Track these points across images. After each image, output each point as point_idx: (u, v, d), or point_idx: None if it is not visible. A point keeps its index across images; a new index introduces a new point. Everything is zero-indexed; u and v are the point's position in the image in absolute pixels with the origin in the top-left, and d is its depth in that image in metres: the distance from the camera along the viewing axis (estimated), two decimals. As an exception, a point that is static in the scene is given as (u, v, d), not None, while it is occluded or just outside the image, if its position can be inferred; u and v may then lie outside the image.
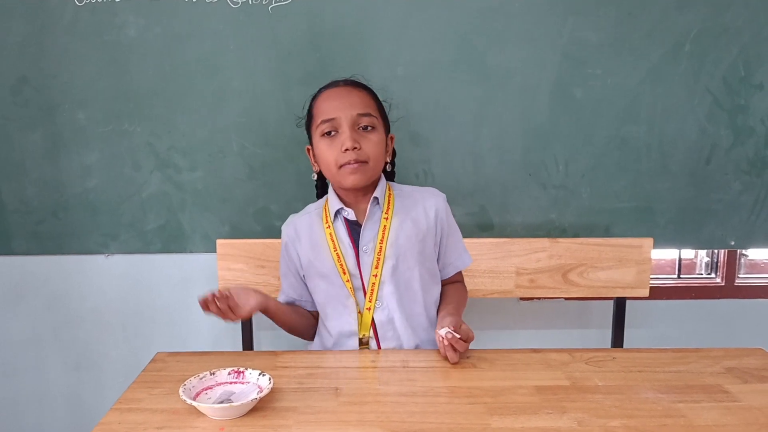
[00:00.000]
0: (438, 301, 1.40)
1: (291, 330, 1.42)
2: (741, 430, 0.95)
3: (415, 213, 1.36)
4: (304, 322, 1.43)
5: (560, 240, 1.71)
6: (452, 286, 1.45)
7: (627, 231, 1.79)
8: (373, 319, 1.31)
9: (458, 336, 1.17)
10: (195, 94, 1.70)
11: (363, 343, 1.32)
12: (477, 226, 1.79)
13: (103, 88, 1.69)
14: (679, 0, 1.68)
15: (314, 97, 1.35)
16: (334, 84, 1.34)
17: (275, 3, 1.66)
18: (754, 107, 1.74)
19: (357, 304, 1.32)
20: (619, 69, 1.71)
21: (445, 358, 1.19)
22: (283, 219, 1.45)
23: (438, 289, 1.41)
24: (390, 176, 1.44)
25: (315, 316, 1.44)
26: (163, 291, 1.84)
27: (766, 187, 1.79)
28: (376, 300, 1.31)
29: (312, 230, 1.36)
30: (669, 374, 1.14)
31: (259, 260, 1.66)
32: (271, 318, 1.35)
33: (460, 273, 1.47)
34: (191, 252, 1.79)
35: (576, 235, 1.78)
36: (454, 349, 1.17)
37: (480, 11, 1.68)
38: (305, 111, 1.37)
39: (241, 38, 1.67)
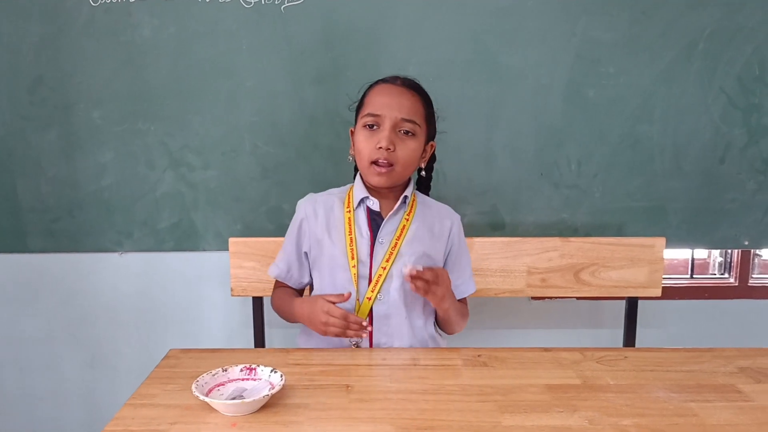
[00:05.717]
0: (433, 314, 1.41)
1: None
2: (754, 430, 0.94)
3: (430, 223, 1.39)
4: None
5: (572, 239, 1.70)
6: None
7: (639, 231, 1.79)
8: (371, 310, 1.32)
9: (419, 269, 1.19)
10: (208, 94, 1.71)
11: None
12: (489, 225, 1.79)
13: (117, 87, 1.70)
14: (692, -1, 1.67)
15: (371, 86, 1.37)
16: (392, 80, 1.35)
17: (288, 3, 1.67)
18: (768, 106, 1.73)
19: (357, 292, 1.32)
20: (633, 68, 1.70)
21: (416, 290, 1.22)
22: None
23: None
24: (426, 181, 1.46)
25: (300, 292, 1.46)
26: (176, 288, 1.85)
27: (780, 186, 1.78)
28: (379, 290, 1.32)
29: (332, 211, 1.38)
30: (681, 373, 1.14)
31: (272, 258, 1.64)
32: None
33: (464, 298, 1.46)
34: (204, 250, 1.80)
35: (588, 235, 1.78)
36: (423, 282, 1.20)
37: (493, 11, 1.68)
38: (360, 94, 1.38)
39: (254, 38, 1.68)
